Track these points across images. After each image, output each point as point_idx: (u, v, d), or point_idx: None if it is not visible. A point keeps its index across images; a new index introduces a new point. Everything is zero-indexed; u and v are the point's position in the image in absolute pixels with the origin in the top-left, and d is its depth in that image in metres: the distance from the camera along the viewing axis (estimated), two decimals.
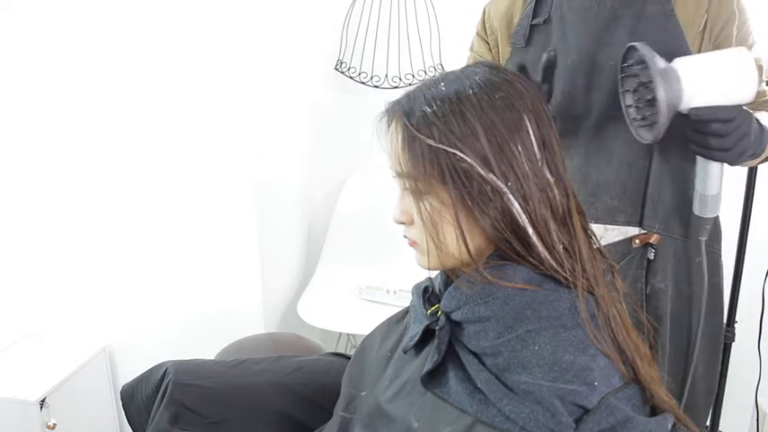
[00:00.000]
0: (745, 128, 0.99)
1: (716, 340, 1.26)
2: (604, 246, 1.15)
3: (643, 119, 1.03)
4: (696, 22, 1.09)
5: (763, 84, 1.16)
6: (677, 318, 1.19)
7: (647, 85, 0.99)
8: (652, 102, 0.98)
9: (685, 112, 1.00)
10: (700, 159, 1.07)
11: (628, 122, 1.06)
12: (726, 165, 1.05)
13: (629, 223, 1.16)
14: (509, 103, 0.72)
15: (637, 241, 1.16)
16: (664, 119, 0.97)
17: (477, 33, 1.29)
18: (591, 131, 1.15)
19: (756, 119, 1.04)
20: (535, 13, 1.16)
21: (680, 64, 0.99)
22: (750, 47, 1.13)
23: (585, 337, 0.69)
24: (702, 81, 0.98)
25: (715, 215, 1.11)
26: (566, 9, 1.13)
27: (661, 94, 0.95)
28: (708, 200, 1.08)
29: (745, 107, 1.07)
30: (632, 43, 1.01)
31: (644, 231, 1.16)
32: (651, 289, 1.17)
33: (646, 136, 1.04)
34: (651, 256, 1.16)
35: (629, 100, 1.06)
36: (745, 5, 1.12)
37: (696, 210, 1.10)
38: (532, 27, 1.16)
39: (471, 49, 1.32)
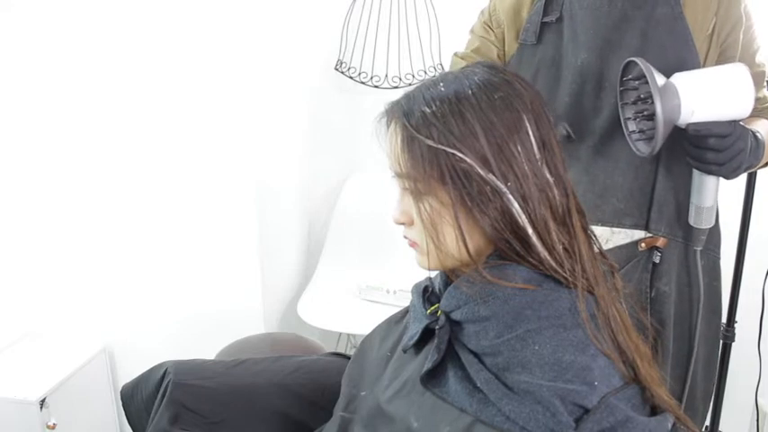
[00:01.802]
0: (741, 144, 1.00)
1: (714, 343, 1.27)
2: (611, 249, 1.16)
3: (641, 132, 1.03)
4: (705, 25, 1.09)
5: (765, 89, 1.17)
6: (680, 321, 1.19)
7: (646, 100, 0.99)
8: (650, 116, 0.99)
9: (683, 126, 1.01)
10: (696, 172, 1.08)
11: (626, 134, 1.07)
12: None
13: (635, 226, 1.16)
14: (508, 104, 0.72)
15: (643, 245, 1.16)
16: (661, 134, 0.98)
17: (484, 22, 1.26)
18: (599, 133, 1.15)
19: (753, 132, 1.05)
20: (546, 11, 1.14)
21: (679, 80, 1.00)
22: (755, 52, 1.14)
23: (585, 337, 0.69)
24: (701, 97, 0.99)
25: (709, 226, 1.12)
26: (576, 8, 1.12)
27: (659, 111, 0.96)
28: (703, 211, 1.10)
29: (742, 121, 1.08)
30: (632, 58, 1.01)
31: (650, 235, 1.16)
32: (656, 292, 1.17)
33: (643, 149, 1.05)
34: (657, 259, 1.16)
35: (628, 113, 1.07)
36: (750, 11, 1.12)
37: (691, 221, 1.12)
38: (543, 25, 1.15)
39: (473, 32, 1.29)
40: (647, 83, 0.98)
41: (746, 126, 1.06)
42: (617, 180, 1.15)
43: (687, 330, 1.20)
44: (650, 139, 1.02)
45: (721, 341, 1.42)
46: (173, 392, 0.94)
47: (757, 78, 1.15)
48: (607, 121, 1.13)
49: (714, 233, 1.19)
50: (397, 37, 1.94)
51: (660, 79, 0.98)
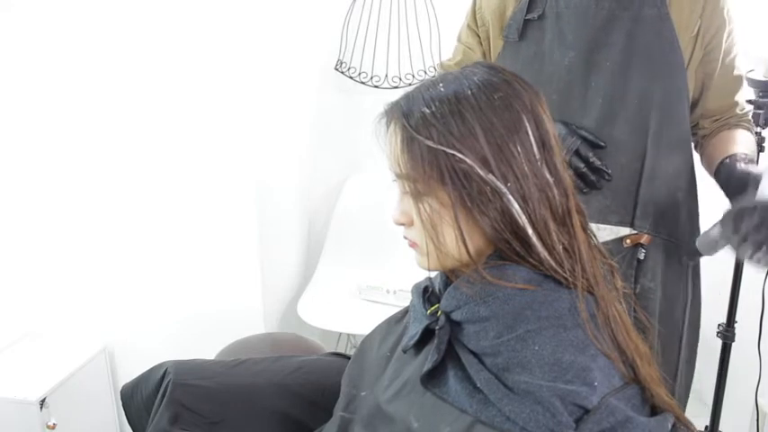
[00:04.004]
0: None
1: (695, 338, 1.28)
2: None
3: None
4: (690, 26, 1.11)
5: (739, 94, 1.19)
6: (666, 317, 1.20)
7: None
8: None
9: None
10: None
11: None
12: None
13: (620, 223, 1.17)
14: (508, 104, 0.72)
15: (628, 241, 1.18)
16: None
17: (468, 25, 1.28)
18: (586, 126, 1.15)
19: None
20: (530, 8, 1.16)
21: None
22: (734, 57, 1.17)
23: (585, 337, 0.69)
24: None
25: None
26: (562, 7, 1.13)
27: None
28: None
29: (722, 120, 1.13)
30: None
31: (635, 232, 1.17)
32: (641, 288, 1.19)
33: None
34: (641, 256, 1.18)
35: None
36: (733, 15, 1.15)
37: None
38: (526, 22, 1.16)
39: (459, 40, 1.31)
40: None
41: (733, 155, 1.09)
42: None
43: (673, 326, 1.21)
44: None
45: (721, 341, 1.42)
46: (173, 392, 0.94)
47: (736, 82, 1.18)
48: (594, 119, 1.14)
49: (694, 226, 1.21)
50: (397, 37, 1.94)
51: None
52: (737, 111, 1.20)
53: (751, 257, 0.97)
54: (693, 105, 1.19)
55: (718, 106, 1.20)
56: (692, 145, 1.22)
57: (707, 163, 1.21)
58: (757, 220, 0.93)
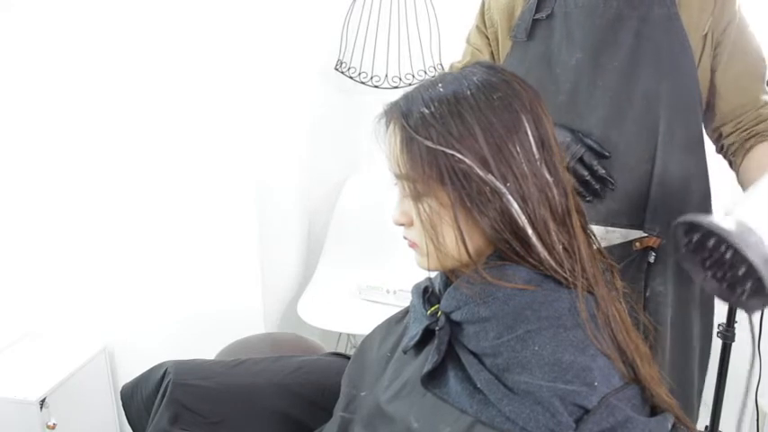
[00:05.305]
0: None
1: (707, 340, 1.26)
2: (605, 247, 1.15)
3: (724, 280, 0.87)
4: (700, 25, 1.09)
5: (756, 87, 1.16)
6: (677, 322, 1.19)
7: (723, 257, 0.83)
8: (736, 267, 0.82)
9: None
10: None
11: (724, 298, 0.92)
12: None
13: (630, 226, 1.15)
14: (507, 104, 0.72)
15: (637, 244, 1.16)
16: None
17: (476, 26, 1.28)
18: (594, 133, 1.14)
19: None
20: (538, 7, 1.15)
21: (745, 215, 0.80)
22: (753, 52, 1.13)
23: (585, 338, 0.69)
24: None
25: None
26: (571, 6, 1.12)
27: (760, 267, 0.76)
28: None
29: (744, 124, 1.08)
30: (690, 220, 0.83)
31: (645, 235, 1.16)
32: (651, 292, 1.17)
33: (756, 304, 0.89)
34: (651, 259, 1.16)
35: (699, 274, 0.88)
36: (744, 13, 1.12)
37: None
38: (534, 21, 1.15)
39: (468, 42, 1.31)
40: (712, 238, 0.82)
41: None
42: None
43: (685, 331, 1.20)
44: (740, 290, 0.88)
45: (721, 341, 1.42)
46: (173, 392, 0.94)
47: (749, 78, 1.12)
48: (602, 120, 1.13)
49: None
50: (397, 37, 1.94)
51: (727, 224, 0.79)
52: (762, 110, 1.11)
53: (703, 282, 0.88)
54: (709, 108, 1.15)
55: (733, 107, 1.13)
56: (717, 148, 1.18)
57: (742, 186, 1.12)
58: (696, 240, 0.84)
